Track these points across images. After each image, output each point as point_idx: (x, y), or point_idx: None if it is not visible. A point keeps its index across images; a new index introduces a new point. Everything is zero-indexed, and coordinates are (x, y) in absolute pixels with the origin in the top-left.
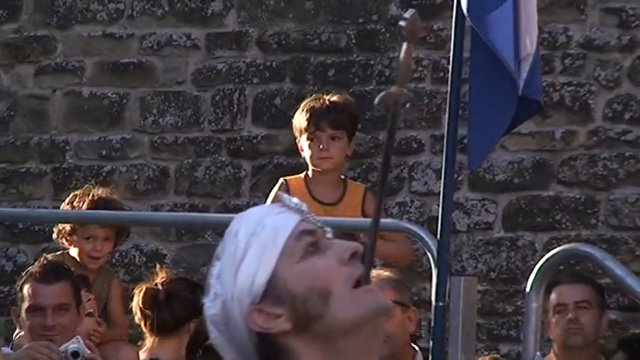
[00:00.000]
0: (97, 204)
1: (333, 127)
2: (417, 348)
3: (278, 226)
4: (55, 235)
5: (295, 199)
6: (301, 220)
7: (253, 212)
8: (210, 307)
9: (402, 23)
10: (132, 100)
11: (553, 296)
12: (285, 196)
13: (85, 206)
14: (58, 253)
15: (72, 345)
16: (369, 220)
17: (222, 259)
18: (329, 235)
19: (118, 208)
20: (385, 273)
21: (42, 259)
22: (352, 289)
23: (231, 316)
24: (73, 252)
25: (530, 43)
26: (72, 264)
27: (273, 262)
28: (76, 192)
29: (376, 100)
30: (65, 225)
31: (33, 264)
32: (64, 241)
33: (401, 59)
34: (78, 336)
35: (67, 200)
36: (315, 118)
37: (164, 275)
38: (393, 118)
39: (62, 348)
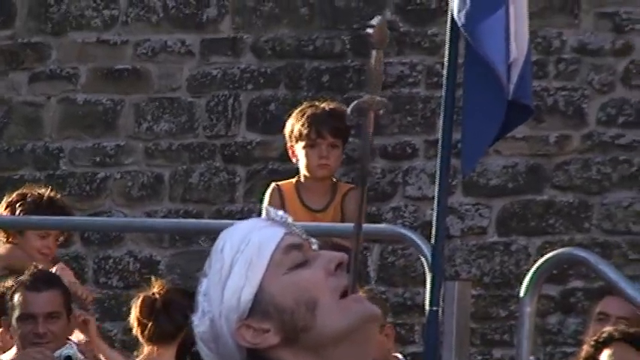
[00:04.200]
0: (47, 207)
1: (333, 135)
2: (399, 356)
3: (263, 240)
4: None
5: (280, 212)
6: (286, 232)
7: (238, 228)
8: (199, 324)
9: (369, 30)
10: (126, 106)
11: (600, 304)
12: (271, 209)
13: (27, 207)
14: (8, 246)
15: (65, 350)
16: (351, 225)
17: (208, 276)
18: (314, 247)
19: (64, 209)
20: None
21: (32, 267)
22: (339, 300)
23: (219, 333)
24: (21, 238)
25: (519, 47)
26: (20, 258)
27: (259, 277)
28: (12, 195)
29: (349, 110)
30: None
31: None
32: (9, 237)
33: (371, 66)
34: (71, 342)
35: (6, 202)
36: (316, 126)
37: (160, 285)
38: (366, 126)
39: (56, 354)
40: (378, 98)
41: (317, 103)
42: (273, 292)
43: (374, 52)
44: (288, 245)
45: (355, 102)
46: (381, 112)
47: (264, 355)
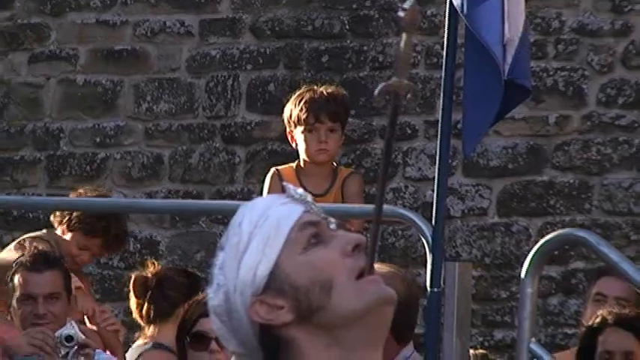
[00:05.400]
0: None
1: (332, 119)
2: None
3: (281, 217)
4: (52, 217)
5: (300, 190)
6: (305, 211)
7: (258, 203)
8: (213, 297)
9: (400, 13)
10: (126, 87)
11: (597, 285)
12: (291, 186)
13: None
14: (43, 231)
15: (66, 330)
16: (372, 206)
17: (225, 250)
18: (333, 226)
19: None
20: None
21: (32, 248)
22: (355, 281)
23: (233, 307)
24: (66, 236)
25: (514, 27)
26: (57, 244)
27: (276, 253)
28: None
29: (376, 92)
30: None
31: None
32: (59, 225)
33: (400, 50)
34: (72, 321)
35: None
36: (314, 110)
37: (154, 267)
38: (393, 110)
39: (57, 333)
40: (406, 82)
41: (315, 87)
42: (289, 269)
43: (404, 35)
44: (306, 223)
45: (382, 84)
46: (408, 95)
47: (277, 331)
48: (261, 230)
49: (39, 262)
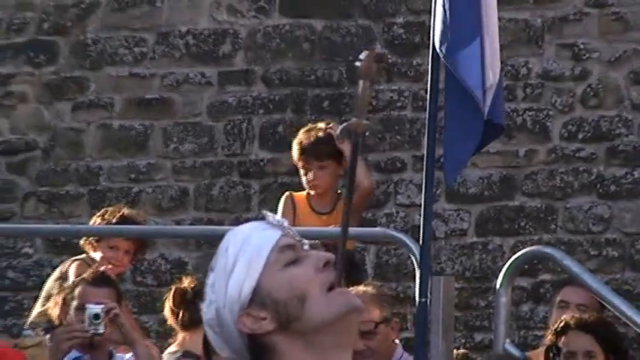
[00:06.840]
0: (122, 220)
1: (318, 159)
2: (396, 341)
3: (261, 242)
4: (82, 241)
5: (278, 217)
6: (282, 235)
7: (241, 230)
8: (207, 312)
9: (357, 63)
10: (155, 130)
11: (561, 293)
12: (270, 214)
13: (114, 221)
14: (82, 256)
15: (89, 311)
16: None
17: (215, 271)
18: (306, 247)
19: (139, 224)
20: (368, 290)
21: (94, 267)
22: (326, 293)
23: (224, 321)
24: (96, 255)
25: (493, 75)
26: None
27: (258, 273)
28: (107, 208)
29: (338, 130)
30: None
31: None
32: (89, 247)
33: (359, 94)
34: (87, 304)
35: (98, 214)
36: (305, 155)
37: (190, 280)
38: (354, 145)
39: (85, 319)
40: (364, 122)
41: (310, 129)
42: (269, 286)
43: (360, 82)
44: (283, 246)
45: (343, 124)
46: (367, 133)
47: (261, 339)
48: (245, 254)
49: (99, 279)
